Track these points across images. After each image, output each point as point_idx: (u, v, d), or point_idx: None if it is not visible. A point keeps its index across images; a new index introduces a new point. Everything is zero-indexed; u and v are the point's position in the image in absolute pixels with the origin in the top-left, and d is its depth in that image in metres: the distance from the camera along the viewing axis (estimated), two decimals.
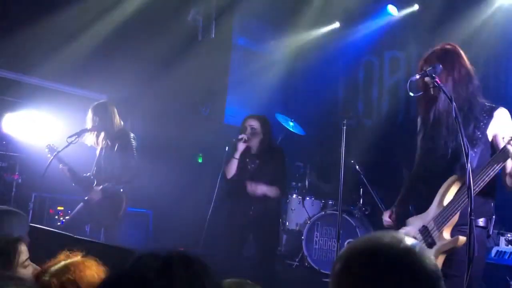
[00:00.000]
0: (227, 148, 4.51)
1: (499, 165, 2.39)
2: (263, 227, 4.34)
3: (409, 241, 1.10)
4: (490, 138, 2.59)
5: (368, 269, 1.05)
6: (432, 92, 2.62)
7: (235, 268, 4.19)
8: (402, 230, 2.77)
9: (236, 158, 4.40)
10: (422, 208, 2.72)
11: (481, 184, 2.41)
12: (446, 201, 2.56)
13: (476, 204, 2.30)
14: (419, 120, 2.89)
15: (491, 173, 2.40)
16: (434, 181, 2.65)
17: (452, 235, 2.53)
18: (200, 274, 0.96)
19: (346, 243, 5.33)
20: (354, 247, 1.12)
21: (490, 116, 2.58)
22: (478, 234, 2.38)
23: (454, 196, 2.52)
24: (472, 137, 2.54)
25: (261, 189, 4.32)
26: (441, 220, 2.55)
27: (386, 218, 2.96)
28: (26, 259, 2.04)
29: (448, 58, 2.64)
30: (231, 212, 4.49)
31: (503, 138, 2.42)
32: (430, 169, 2.71)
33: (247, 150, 4.45)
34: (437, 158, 2.66)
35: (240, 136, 4.38)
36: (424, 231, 2.65)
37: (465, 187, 2.40)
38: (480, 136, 2.56)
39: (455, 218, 2.51)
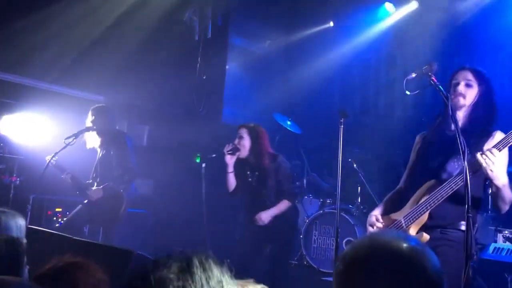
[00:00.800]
0: (203, 165, 4.47)
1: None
2: (277, 239, 4.24)
3: (413, 240, 1.10)
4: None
5: (372, 269, 1.04)
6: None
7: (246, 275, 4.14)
8: (378, 223, 2.86)
9: (229, 173, 4.31)
10: (397, 208, 2.86)
11: (449, 191, 2.52)
12: (419, 201, 2.69)
13: (457, 208, 2.43)
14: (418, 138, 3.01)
15: (459, 182, 2.49)
16: (419, 184, 2.76)
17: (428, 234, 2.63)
18: (218, 273, 0.98)
19: (344, 241, 5.34)
20: (357, 247, 1.12)
21: (488, 136, 2.67)
22: (461, 237, 2.48)
23: (426, 198, 2.62)
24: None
25: (272, 214, 4.17)
26: (410, 217, 2.68)
27: (377, 223, 2.92)
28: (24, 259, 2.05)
29: (483, 78, 2.75)
30: (243, 224, 4.43)
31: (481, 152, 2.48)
32: (419, 177, 2.81)
33: (244, 161, 4.33)
34: (427, 168, 2.77)
35: (224, 149, 4.29)
36: (395, 226, 2.78)
37: (437, 190, 2.56)
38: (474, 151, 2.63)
39: (424, 217, 2.63)
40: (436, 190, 2.58)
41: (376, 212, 2.94)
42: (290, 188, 4.36)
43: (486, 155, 2.38)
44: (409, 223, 2.67)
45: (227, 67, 7.16)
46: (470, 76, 2.72)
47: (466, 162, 2.25)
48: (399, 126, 6.57)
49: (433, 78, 2.46)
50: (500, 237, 4.57)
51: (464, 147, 2.30)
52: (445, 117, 2.73)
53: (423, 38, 6.38)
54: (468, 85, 2.71)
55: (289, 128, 6.33)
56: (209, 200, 4.60)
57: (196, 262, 0.97)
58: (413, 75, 2.52)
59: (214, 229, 5.22)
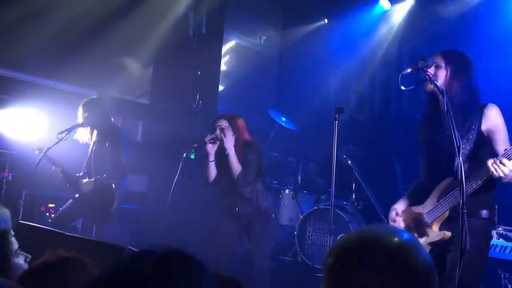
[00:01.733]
0: (184, 154, 4.46)
1: (481, 181, 2.55)
2: (253, 225, 4.26)
3: (404, 234, 1.10)
4: (485, 134, 2.71)
5: (362, 263, 1.04)
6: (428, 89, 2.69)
7: (228, 267, 4.17)
8: (398, 218, 2.95)
9: (211, 161, 4.30)
10: (418, 201, 2.91)
11: (469, 190, 2.58)
12: (440, 198, 2.76)
13: (477, 196, 2.51)
14: (417, 131, 3.02)
15: (474, 186, 2.57)
16: (434, 176, 2.83)
17: (447, 229, 2.72)
18: (197, 271, 0.96)
19: (338, 238, 5.34)
20: (347, 241, 1.11)
21: (480, 114, 2.70)
22: (481, 225, 2.64)
23: (446, 197, 2.71)
24: (466, 134, 2.68)
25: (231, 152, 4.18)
26: (433, 215, 2.76)
27: (397, 218, 2.98)
28: (17, 249, 2.03)
29: (456, 58, 2.79)
30: (223, 213, 4.43)
31: (491, 158, 2.53)
32: (431, 165, 2.88)
33: (219, 152, 4.31)
34: (438, 155, 2.82)
35: (206, 139, 4.28)
36: (418, 222, 2.85)
37: (455, 191, 2.62)
38: (473, 133, 2.68)
39: (446, 214, 2.72)
40: (454, 191, 2.66)
41: (398, 206, 2.99)
42: (250, 173, 4.29)
43: (497, 165, 2.44)
44: (432, 220, 2.76)
45: (221, 62, 7.13)
46: (439, 58, 2.76)
47: (461, 158, 2.25)
48: (394, 123, 6.58)
49: (428, 73, 2.46)
50: (493, 233, 4.58)
51: (459, 142, 2.30)
52: (439, 114, 2.78)
53: (418, 35, 6.38)
54: (437, 67, 2.75)
55: (284, 125, 6.32)
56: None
57: (174, 258, 0.95)
58: (409, 70, 2.51)
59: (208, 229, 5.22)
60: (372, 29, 6.97)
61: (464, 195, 2.28)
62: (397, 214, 2.98)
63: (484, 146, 2.70)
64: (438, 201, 2.76)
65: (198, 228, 6.28)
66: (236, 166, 4.20)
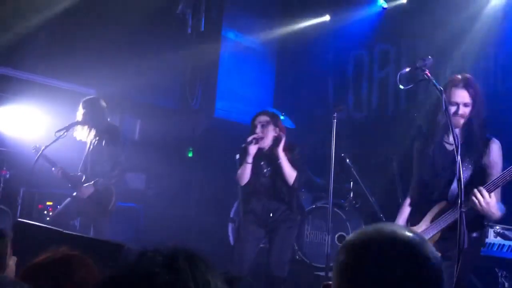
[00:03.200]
0: (237, 156, 4.08)
1: (466, 208, 2.63)
2: (279, 230, 3.99)
3: (413, 232, 1.12)
4: (483, 167, 2.90)
5: (375, 259, 1.04)
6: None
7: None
8: None
9: (249, 163, 3.98)
10: (415, 221, 3.03)
11: (455, 217, 2.66)
12: (433, 220, 2.91)
13: (468, 219, 2.55)
14: (417, 149, 3.15)
15: (457, 216, 2.61)
16: (432, 205, 2.96)
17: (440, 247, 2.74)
18: (205, 270, 0.96)
19: (336, 236, 5.35)
20: (358, 238, 1.11)
21: (484, 147, 2.91)
22: (473, 244, 2.78)
23: (439, 218, 2.86)
24: (468, 163, 2.88)
25: (283, 157, 3.89)
26: (425, 235, 2.85)
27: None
28: (11, 251, 2.03)
29: (479, 95, 2.94)
30: (247, 217, 4.13)
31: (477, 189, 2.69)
32: (431, 195, 3.00)
33: (260, 152, 4.04)
34: (438, 187, 2.97)
35: (249, 139, 3.97)
36: None
37: (446, 215, 2.80)
38: (474, 164, 2.88)
39: (437, 235, 2.87)
40: (446, 214, 2.82)
41: None
42: (301, 176, 4.05)
43: (475, 194, 2.61)
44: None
45: (219, 60, 7.12)
46: (467, 97, 2.89)
47: (459, 157, 2.26)
48: (392, 121, 6.58)
49: (426, 72, 2.45)
50: (491, 232, 4.59)
51: (458, 142, 2.34)
52: (443, 129, 2.96)
53: (417, 33, 6.38)
54: (465, 105, 2.89)
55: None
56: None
57: (182, 257, 0.95)
58: (407, 69, 2.51)
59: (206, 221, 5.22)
60: (370, 27, 6.96)
61: (462, 193, 2.29)
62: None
63: (479, 176, 2.87)
64: (431, 222, 2.91)
65: (198, 226, 6.29)
66: (289, 170, 3.92)
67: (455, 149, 2.39)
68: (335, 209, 5.30)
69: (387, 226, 1.12)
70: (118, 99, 6.18)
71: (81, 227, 5.21)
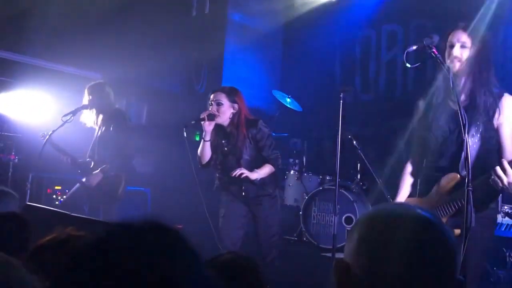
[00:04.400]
0: (184, 133, 3.99)
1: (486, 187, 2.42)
2: (260, 208, 3.99)
3: (431, 213, 1.11)
4: (495, 128, 2.60)
5: (392, 237, 1.03)
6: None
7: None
8: None
9: (206, 141, 3.96)
10: (424, 193, 2.78)
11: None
12: (444, 196, 2.64)
13: (481, 195, 2.38)
14: (421, 103, 2.91)
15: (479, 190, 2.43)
16: (438, 171, 2.70)
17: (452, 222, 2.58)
18: (174, 245, 0.86)
19: (344, 218, 5.36)
20: (374, 216, 1.11)
21: (496, 103, 2.59)
22: (488, 215, 2.58)
23: (453, 194, 2.59)
24: (476, 128, 2.57)
25: (253, 177, 3.83)
26: (443, 210, 2.63)
27: None
28: None
29: (483, 36, 2.66)
30: (223, 200, 4.14)
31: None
32: (437, 159, 2.74)
33: (219, 129, 3.99)
34: (444, 151, 2.70)
35: (201, 116, 3.89)
36: None
37: (462, 188, 2.45)
38: (484, 127, 2.58)
39: (452, 212, 2.61)
40: (461, 192, 2.49)
41: (402, 198, 2.87)
42: (272, 153, 3.99)
43: (497, 174, 2.34)
44: (443, 216, 2.63)
45: (225, 43, 7.08)
46: (465, 38, 2.64)
47: (467, 135, 2.22)
48: (400, 103, 6.53)
49: (434, 50, 2.41)
50: (499, 213, 4.58)
51: (465, 121, 2.26)
52: (446, 91, 2.68)
53: (425, 13, 6.29)
54: (463, 46, 2.63)
55: (288, 106, 6.29)
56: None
57: (149, 232, 0.88)
58: (414, 47, 2.46)
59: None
60: (377, 7, 6.87)
61: (470, 172, 2.23)
62: None
63: (492, 141, 2.59)
64: (443, 198, 2.65)
65: (206, 209, 6.32)
66: (267, 173, 3.90)
67: (462, 129, 2.30)
68: (342, 190, 5.30)
69: (406, 204, 1.11)
70: (124, 83, 6.18)
71: (90, 211, 5.25)
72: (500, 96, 2.59)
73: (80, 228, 1.88)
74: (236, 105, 3.96)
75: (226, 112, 3.91)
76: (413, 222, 1.06)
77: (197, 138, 7.00)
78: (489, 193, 2.50)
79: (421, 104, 2.90)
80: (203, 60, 6.74)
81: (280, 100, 6.29)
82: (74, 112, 4.60)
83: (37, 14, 5.45)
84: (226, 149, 3.98)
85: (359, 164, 5.87)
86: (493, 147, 2.59)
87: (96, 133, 4.82)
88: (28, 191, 5.09)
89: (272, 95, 6.35)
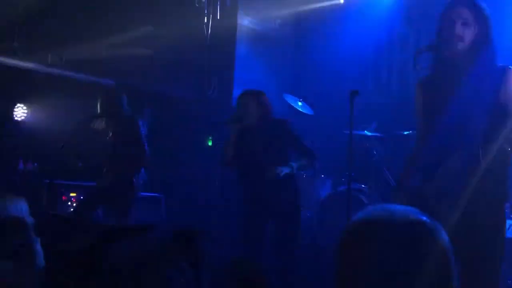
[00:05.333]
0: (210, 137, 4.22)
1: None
2: (282, 208, 4.00)
3: (422, 215, 1.05)
4: (503, 104, 2.40)
5: (381, 242, 1.00)
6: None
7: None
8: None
9: (233, 140, 4.07)
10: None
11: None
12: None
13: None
14: (418, 93, 2.75)
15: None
16: (443, 150, 2.49)
17: None
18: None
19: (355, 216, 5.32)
20: (362, 220, 1.06)
21: (501, 77, 2.39)
22: (498, 204, 2.40)
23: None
24: (482, 105, 2.37)
25: (287, 170, 3.88)
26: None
27: None
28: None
29: (484, 12, 2.44)
30: (244, 197, 4.19)
31: None
32: (441, 138, 2.51)
33: (249, 129, 4.09)
34: (448, 125, 2.48)
35: (231, 117, 4.11)
36: None
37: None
38: (494, 100, 2.38)
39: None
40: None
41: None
42: (303, 147, 4.09)
43: None
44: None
45: (236, 48, 7.10)
46: (467, 14, 2.39)
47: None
48: (412, 105, 6.48)
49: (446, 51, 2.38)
50: None
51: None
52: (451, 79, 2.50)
53: (437, 15, 6.24)
54: (464, 24, 2.39)
55: (300, 109, 6.28)
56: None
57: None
58: (425, 49, 2.43)
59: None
60: (389, 10, 6.84)
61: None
62: None
63: (501, 119, 2.35)
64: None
65: (219, 214, 6.33)
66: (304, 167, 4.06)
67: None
68: (356, 194, 5.27)
69: (396, 208, 1.06)
70: (137, 89, 6.23)
71: (104, 217, 5.29)
72: (504, 70, 2.40)
73: (94, 234, 1.89)
74: (262, 106, 4.11)
75: (253, 113, 4.05)
76: (403, 229, 1.00)
77: (210, 143, 7.03)
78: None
79: (420, 87, 2.72)
80: (215, 65, 6.76)
81: (291, 103, 6.28)
82: (89, 119, 4.65)
83: (50, 23, 5.52)
84: (255, 149, 4.07)
85: (372, 167, 5.84)
86: (498, 125, 2.40)
87: (110, 139, 4.86)
88: (44, 199, 5.15)
89: (283, 99, 6.34)
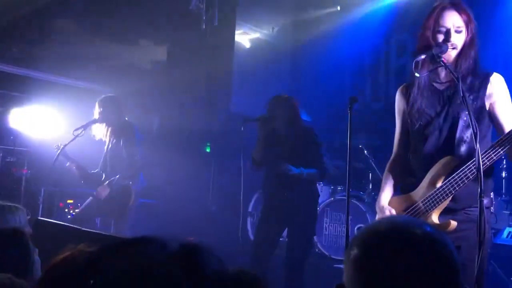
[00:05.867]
0: (242, 128, 4.14)
1: (504, 149, 2.24)
2: (298, 215, 3.99)
3: (428, 226, 1.07)
4: (487, 107, 2.43)
5: (393, 255, 1.01)
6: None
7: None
8: (386, 212, 2.58)
9: (262, 141, 4.06)
10: (408, 187, 2.59)
11: (471, 175, 2.27)
12: (438, 183, 2.41)
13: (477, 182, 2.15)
14: (399, 97, 2.73)
15: (494, 158, 2.26)
16: (426, 159, 2.49)
17: (452, 218, 2.38)
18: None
19: (356, 228, 5.31)
20: (372, 231, 1.07)
21: (485, 82, 2.42)
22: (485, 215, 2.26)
23: (449, 179, 2.35)
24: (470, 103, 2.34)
25: (297, 172, 3.90)
26: (431, 203, 2.41)
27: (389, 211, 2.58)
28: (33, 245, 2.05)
29: (466, 10, 2.45)
30: (264, 200, 4.21)
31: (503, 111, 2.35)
32: (422, 145, 2.52)
33: (275, 132, 4.11)
34: (430, 134, 2.49)
35: (261, 117, 4.10)
36: (410, 213, 2.52)
37: (460, 169, 2.30)
38: (477, 105, 2.40)
39: (447, 201, 2.37)
40: (457, 174, 2.31)
41: (385, 201, 2.64)
42: (319, 158, 4.10)
43: None
44: (430, 209, 2.41)
45: (234, 55, 7.11)
46: (459, 21, 2.42)
47: (478, 145, 2.15)
48: None
49: (443, 59, 2.38)
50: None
51: (477, 130, 2.18)
52: (430, 75, 2.53)
53: None
54: (458, 31, 2.43)
55: None
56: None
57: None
58: (423, 56, 2.43)
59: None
60: (386, 16, 6.87)
61: (482, 181, 2.11)
62: (390, 212, 2.57)
63: (484, 120, 2.42)
64: (434, 185, 2.41)
65: (217, 221, 6.31)
66: (312, 178, 4.04)
67: (473, 137, 2.18)
68: (354, 201, 5.26)
69: (400, 219, 1.08)
70: (135, 97, 6.23)
71: (101, 225, 5.27)
72: (488, 76, 2.43)
73: (91, 244, 1.87)
74: (292, 111, 4.16)
75: (281, 116, 4.09)
76: (409, 241, 1.02)
77: (208, 150, 7.02)
78: (486, 174, 2.28)
79: (401, 95, 2.72)
80: (213, 72, 6.77)
81: None
82: (85, 126, 4.64)
83: (47, 29, 5.53)
84: (280, 152, 4.08)
85: (370, 174, 5.83)
86: (485, 127, 2.45)
87: (106, 146, 4.85)
88: (40, 205, 5.12)
89: None
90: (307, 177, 3.97)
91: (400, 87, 2.73)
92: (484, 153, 2.25)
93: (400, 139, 2.73)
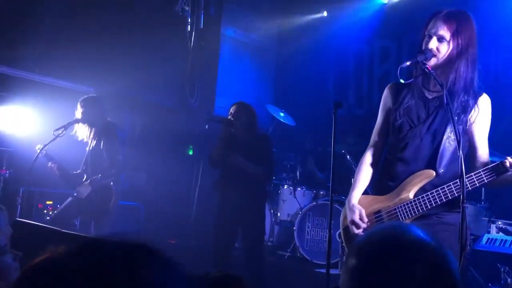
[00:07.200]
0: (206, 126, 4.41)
1: (489, 179, 2.29)
2: (249, 213, 4.22)
3: (428, 235, 1.05)
4: (467, 126, 2.44)
5: (392, 264, 0.99)
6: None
7: (225, 261, 4.15)
8: (356, 211, 2.58)
9: (221, 143, 4.25)
10: (381, 189, 2.60)
11: (452, 195, 2.33)
12: (412, 192, 2.44)
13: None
14: (387, 93, 2.69)
15: (477, 184, 2.32)
16: (402, 165, 2.50)
17: (425, 223, 2.38)
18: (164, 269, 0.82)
19: (337, 233, 5.32)
20: (370, 241, 1.06)
21: (474, 102, 2.42)
22: (454, 219, 2.36)
23: (430, 192, 2.38)
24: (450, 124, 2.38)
25: (242, 163, 4.16)
26: (407, 211, 2.44)
27: (362, 225, 2.54)
28: (4, 246, 2.00)
29: (465, 28, 2.41)
30: (219, 202, 4.40)
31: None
32: (401, 151, 2.52)
33: (232, 138, 4.30)
34: (411, 141, 2.49)
35: (225, 119, 4.33)
36: (384, 216, 2.54)
37: (439, 192, 2.34)
38: (462, 122, 2.42)
39: (416, 215, 2.42)
40: (436, 191, 2.35)
41: (356, 198, 2.63)
42: (269, 160, 4.34)
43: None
44: (406, 217, 2.43)
45: (219, 58, 7.10)
46: (445, 31, 2.39)
47: (461, 151, 2.19)
48: None
49: (427, 66, 2.40)
50: (493, 227, 4.58)
51: (460, 137, 2.22)
52: (424, 83, 2.54)
53: (417, 28, 6.34)
54: (440, 40, 2.40)
55: (282, 120, 6.29)
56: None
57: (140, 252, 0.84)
58: (407, 63, 2.44)
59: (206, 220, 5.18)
60: (370, 22, 6.93)
61: (464, 189, 2.18)
62: (361, 219, 2.54)
63: (464, 139, 2.40)
64: (409, 194, 2.43)
65: (198, 225, 6.28)
66: (252, 170, 4.18)
67: (457, 145, 2.23)
68: (336, 206, 5.28)
69: (399, 228, 1.06)
70: (118, 97, 6.16)
71: (81, 226, 5.19)
72: (478, 96, 2.43)
73: (71, 245, 1.84)
74: (250, 118, 4.40)
75: (242, 121, 4.32)
76: (408, 251, 1.01)
77: (191, 153, 6.98)
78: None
79: (389, 91, 2.69)
80: (197, 74, 6.75)
81: (274, 114, 6.29)
82: (66, 126, 4.58)
83: (29, 27, 5.44)
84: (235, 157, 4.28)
85: (352, 179, 5.85)
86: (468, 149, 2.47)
87: (88, 147, 4.80)
88: (19, 206, 5.03)
89: (266, 110, 6.35)
90: (253, 170, 4.17)
91: (390, 84, 2.71)
92: (468, 177, 2.29)
93: (380, 129, 2.70)
